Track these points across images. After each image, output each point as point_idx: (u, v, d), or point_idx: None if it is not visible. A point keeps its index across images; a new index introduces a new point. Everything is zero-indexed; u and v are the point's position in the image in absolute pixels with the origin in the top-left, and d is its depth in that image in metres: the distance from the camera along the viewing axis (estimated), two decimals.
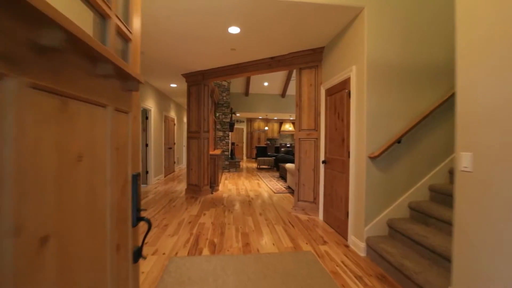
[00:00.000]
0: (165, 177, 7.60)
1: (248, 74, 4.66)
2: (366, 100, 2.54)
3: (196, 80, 5.15)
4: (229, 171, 9.00)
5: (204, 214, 3.90)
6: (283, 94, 12.48)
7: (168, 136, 8.07)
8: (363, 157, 2.57)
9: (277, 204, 4.60)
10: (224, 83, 8.89)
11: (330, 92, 3.44)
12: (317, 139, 3.78)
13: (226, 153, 8.94)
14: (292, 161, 9.36)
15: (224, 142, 8.93)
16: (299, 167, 3.95)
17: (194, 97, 5.21)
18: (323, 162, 3.58)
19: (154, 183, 6.48)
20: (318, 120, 3.77)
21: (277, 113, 12.78)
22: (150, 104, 6.29)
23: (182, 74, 5.30)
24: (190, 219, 3.67)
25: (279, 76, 11.22)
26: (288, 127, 16.31)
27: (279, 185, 6.50)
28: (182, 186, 6.18)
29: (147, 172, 6.31)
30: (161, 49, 3.89)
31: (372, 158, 2.52)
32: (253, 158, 15.23)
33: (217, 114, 8.23)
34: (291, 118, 15.84)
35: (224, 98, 8.92)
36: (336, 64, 3.27)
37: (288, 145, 13.73)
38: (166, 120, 7.84)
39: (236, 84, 11.66)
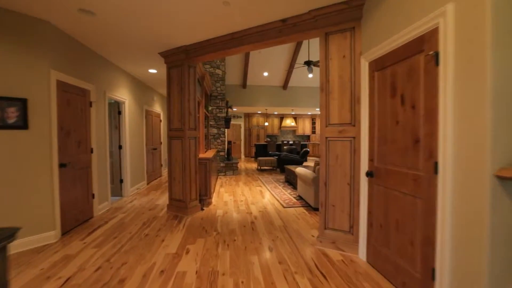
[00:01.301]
0: (148, 184, 6.30)
1: (248, 48, 3.36)
2: (489, 67, 1.28)
3: (178, 60, 3.84)
4: (225, 175, 7.73)
5: (187, 252, 2.63)
6: (284, 86, 11.18)
7: (152, 135, 6.76)
8: (482, 176, 1.31)
9: (291, 227, 3.35)
10: (218, 71, 7.57)
11: (380, 64, 2.17)
12: (355, 138, 2.52)
13: (221, 153, 7.65)
14: (297, 162, 8.11)
15: (219, 140, 7.64)
16: (326, 179, 2.68)
17: (175, 82, 3.90)
18: (368, 174, 2.32)
19: (132, 195, 5.18)
20: (357, 109, 2.50)
21: (278, 107, 11.49)
22: (123, 94, 4.96)
23: (159, 53, 3.98)
24: (164, 263, 2.40)
25: (281, 64, 9.91)
26: (289, 122, 15.05)
27: (287, 193, 5.25)
28: (166, 198, 4.90)
29: (121, 181, 5.01)
30: (126, 15, 2.59)
31: (506, 179, 1.27)
32: (251, 157, 13.97)
33: (210, 108, 6.92)
34: (292, 113, 14.57)
35: (219, 89, 7.60)
36: (395, 15, 1.99)
37: (290, 142, 12.48)
38: (149, 116, 6.51)
39: (232, 74, 10.33)
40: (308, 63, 7.54)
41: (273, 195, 5.16)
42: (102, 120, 4.11)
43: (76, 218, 3.31)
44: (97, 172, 3.86)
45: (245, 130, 14.23)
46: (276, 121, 15.08)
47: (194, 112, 3.94)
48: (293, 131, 15.58)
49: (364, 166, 2.42)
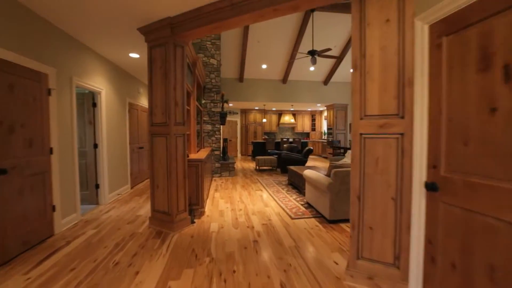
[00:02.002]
0: (132, 188, 5.51)
1: (251, 18, 2.59)
2: None
3: (161, 38, 3.06)
4: (220, 176, 6.97)
5: None
6: (284, 80, 10.44)
7: (138, 132, 5.95)
8: None
9: (306, 249, 2.62)
10: (213, 61, 6.78)
11: (457, 22, 1.44)
12: (404, 135, 1.80)
13: (216, 152, 6.89)
14: (300, 162, 7.40)
15: (213, 138, 6.87)
16: (360, 192, 1.96)
17: (158, 65, 3.11)
18: (429, 186, 1.60)
19: (110, 202, 4.39)
20: (407, 94, 1.78)
21: (277, 102, 10.76)
22: (99, 83, 4.16)
23: (139, 29, 3.18)
24: None
25: (280, 55, 9.15)
26: (288, 119, 14.34)
27: (292, 199, 4.52)
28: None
29: (97, 187, 4.22)
30: None
31: None
32: (248, 156, 13.23)
33: (203, 102, 6.14)
34: (291, 109, 13.86)
35: (213, 81, 6.81)
36: None
37: (290, 140, 11.77)
38: (134, 110, 5.70)
39: (228, 67, 9.53)
40: (312, 53, 6.81)
41: (276, 201, 4.42)
42: (68, 113, 3.31)
43: (24, 241, 2.52)
44: (59, 178, 3.06)
45: (241, 127, 13.47)
46: (274, 117, 14.35)
47: (182, 103, 3.16)
48: (292, 128, 14.88)
49: (419, 175, 1.70)
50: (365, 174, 1.94)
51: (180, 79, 3.12)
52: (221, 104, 7.09)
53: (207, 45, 6.71)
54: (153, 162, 3.17)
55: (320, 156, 12.82)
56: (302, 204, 4.21)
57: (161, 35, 3.04)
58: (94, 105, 4.16)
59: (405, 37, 1.78)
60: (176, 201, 3.09)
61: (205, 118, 6.77)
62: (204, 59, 6.69)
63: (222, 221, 3.48)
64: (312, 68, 9.98)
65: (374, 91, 1.88)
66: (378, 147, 1.88)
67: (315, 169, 5.18)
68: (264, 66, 9.69)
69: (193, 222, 3.38)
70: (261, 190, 5.36)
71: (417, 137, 1.71)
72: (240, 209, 4.01)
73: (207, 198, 4.51)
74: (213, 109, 6.83)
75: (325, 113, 14.04)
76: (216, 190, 5.42)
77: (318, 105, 11.76)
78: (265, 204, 4.32)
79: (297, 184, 5.20)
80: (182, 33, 2.95)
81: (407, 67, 1.78)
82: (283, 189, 5.40)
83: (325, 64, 9.70)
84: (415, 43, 1.73)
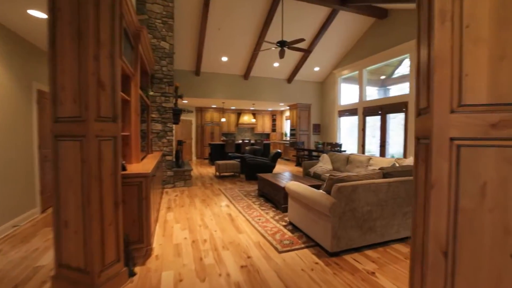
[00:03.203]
0: (44, 211, 3.87)
1: None
2: None
3: None
4: (174, 187, 5.66)
5: None
6: (246, 75, 9.49)
7: None
8: None
9: None
10: (164, 44, 5.44)
11: None
12: None
13: (168, 157, 5.56)
14: (267, 167, 6.52)
15: (164, 140, 5.53)
16: (449, 244, 1.08)
17: (65, 20, 1.82)
18: None
19: None
20: None
21: (238, 99, 9.76)
22: None
23: None
24: None
25: (243, 47, 8.18)
26: (248, 118, 13.47)
27: (270, 218, 3.57)
28: None
29: None
30: None
31: None
32: (205, 159, 11.92)
33: (151, 93, 4.78)
34: (251, 108, 13.01)
35: (165, 69, 5.48)
36: None
37: (252, 142, 10.86)
38: (45, 100, 4.04)
39: (182, 58, 8.16)
40: (282, 44, 6.00)
41: (251, 223, 3.41)
42: None
43: None
44: None
45: (197, 127, 12.08)
46: (233, 117, 13.31)
47: (112, 87, 1.92)
48: (252, 128, 14.06)
49: None
50: (460, 210, 1.07)
51: (108, 45, 1.88)
52: (174, 99, 5.78)
53: (156, 23, 5.34)
54: (58, 184, 1.85)
55: (282, 158, 12.22)
56: (284, 226, 3.28)
57: None
58: None
59: None
60: (101, 247, 1.84)
61: (153, 115, 5.38)
62: (153, 41, 5.30)
63: (179, 266, 2.32)
64: (276, 64, 9.25)
65: (482, 60, 1.02)
66: (487, 164, 1.03)
67: (298, 179, 4.32)
68: (224, 59, 8.59)
69: (132, 275, 2.14)
70: (228, 206, 4.28)
71: None
72: (205, 240, 2.89)
73: (156, 225, 3.26)
74: (164, 104, 5.48)
75: (287, 113, 13.57)
76: (168, 208, 4.15)
77: (281, 104, 11.13)
78: (237, 228, 3.27)
79: (271, 197, 4.27)
80: None
81: None
82: (254, 203, 4.41)
83: (290, 60, 9.06)
84: None
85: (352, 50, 8.84)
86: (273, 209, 4.04)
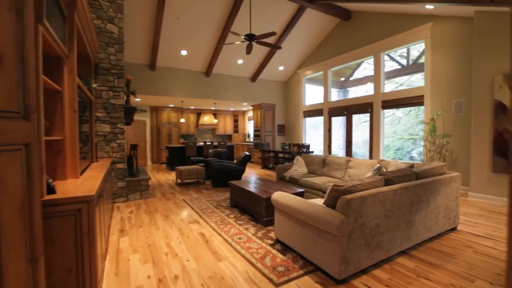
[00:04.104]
0: None
1: None
2: None
3: None
4: (127, 200, 4.69)
5: None
6: (207, 72, 8.75)
7: None
8: None
9: None
10: (111, 27, 4.48)
11: None
12: None
13: (119, 165, 4.58)
14: (236, 172, 5.95)
15: (115, 144, 4.55)
16: None
17: None
18: None
19: None
20: None
21: (199, 98, 8.95)
22: None
23: None
24: None
25: (206, 41, 7.45)
26: (208, 119, 12.66)
27: (251, 235, 3.01)
28: None
29: None
30: None
31: None
32: (162, 163, 10.76)
33: (95, 85, 3.80)
34: (212, 108, 12.24)
35: (112, 57, 4.50)
36: None
37: (215, 144, 10.11)
38: None
39: (134, 49, 7.07)
40: (250, 37, 5.49)
41: (231, 245, 2.80)
42: None
43: None
44: None
45: (152, 128, 10.85)
46: (192, 117, 12.36)
47: (20, 59, 1.15)
48: (213, 129, 13.27)
49: None
50: None
51: None
52: (125, 94, 4.81)
53: (101, 0, 4.33)
54: None
55: None
56: (271, 245, 2.76)
57: None
58: None
59: None
60: None
61: (99, 114, 4.36)
62: (96, 22, 4.29)
63: None
64: (240, 61, 8.71)
65: None
66: None
67: (280, 188, 3.83)
68: (184, 53, 7.73)
69: None
70: (198, 222, 3.59)
71: None
72: (176, 277, 2.20)
73: (105, 261, 2.43)
74: (112, 101, 4.49)
75: (249, 113, 13.13)
76: (122, 231, 3.29)
77: (244, 104, 10.63)
78: (215, 253, 2.63)
79: (249, 208, 3.71)
80: None
81: None
82: (228, 216, 3.80)
83: (255, 58, 8.61)
84: None
85: (317, 50, 8.78)
86: (253, 223, 3.48)
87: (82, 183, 2.04)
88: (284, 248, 2.69)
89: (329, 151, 8.43)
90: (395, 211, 2.36)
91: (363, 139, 7.81)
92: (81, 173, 2.49)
